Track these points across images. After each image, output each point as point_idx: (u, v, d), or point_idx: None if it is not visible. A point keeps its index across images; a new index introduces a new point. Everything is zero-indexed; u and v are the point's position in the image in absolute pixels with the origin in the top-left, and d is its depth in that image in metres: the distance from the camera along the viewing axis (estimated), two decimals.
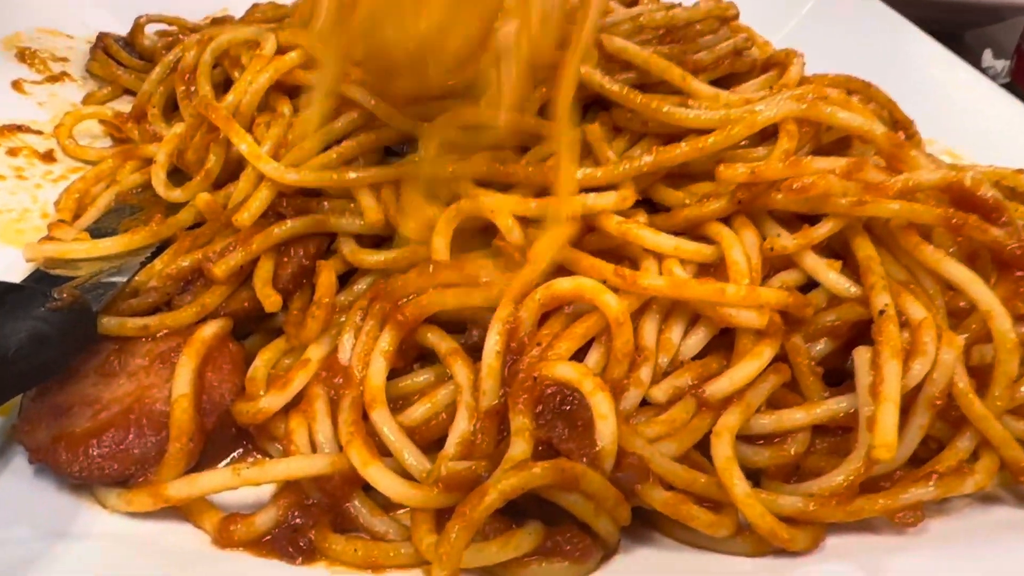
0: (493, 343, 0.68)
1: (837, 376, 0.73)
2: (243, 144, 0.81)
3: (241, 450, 0.73)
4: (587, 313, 0.70)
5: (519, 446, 0.62)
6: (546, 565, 0.61)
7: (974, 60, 1.67)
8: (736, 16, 0.98)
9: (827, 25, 1.48)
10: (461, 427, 0.67)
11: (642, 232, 0.73)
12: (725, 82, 0.94)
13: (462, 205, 0.74)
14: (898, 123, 0.95)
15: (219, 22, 1.29)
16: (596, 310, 0.69)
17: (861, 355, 0.68)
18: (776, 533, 0.62)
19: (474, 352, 0.70)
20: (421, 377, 0.72)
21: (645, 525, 0.67)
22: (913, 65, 1.35)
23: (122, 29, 1.24)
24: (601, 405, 0.63)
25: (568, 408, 0.64)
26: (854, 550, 0.65)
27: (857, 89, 0.93)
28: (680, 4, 1.03)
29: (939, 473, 0.67)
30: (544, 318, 0.70)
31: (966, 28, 1.88)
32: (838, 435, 0.70)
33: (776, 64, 0.95)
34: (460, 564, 0.57)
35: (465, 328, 0.72)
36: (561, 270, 0.73)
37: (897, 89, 1.14)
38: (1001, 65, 1.63)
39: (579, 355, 0.69)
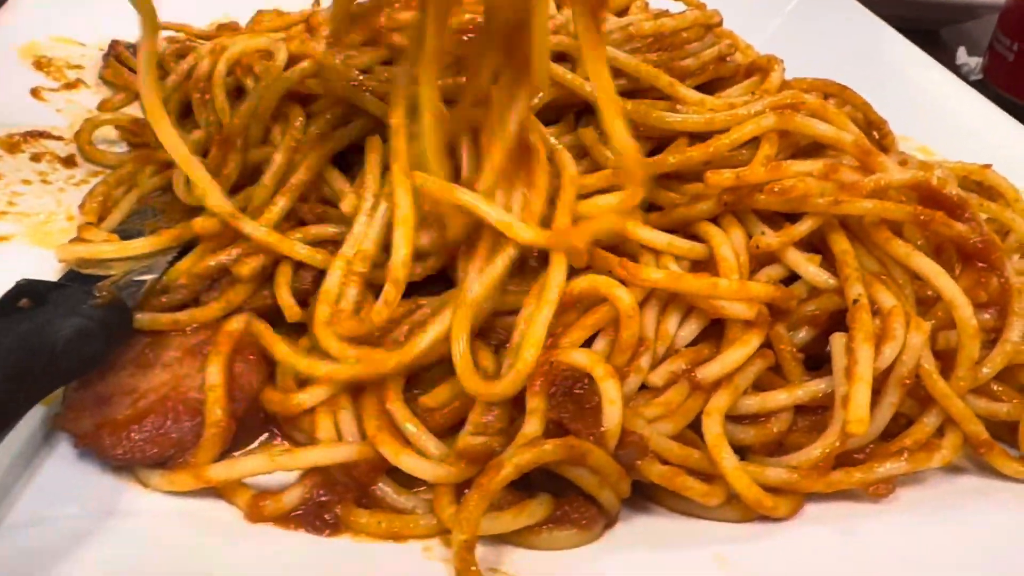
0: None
1: (817, 361, 0.79)
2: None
3: (267, 435, 0.79)
4: (597, 305, 0.76)
5: (533, 424, 0.68)
6: (556, 532, 0.68)
7: (950, 57, 1.75)
8: (720, 23, 1.04)
9: (808, 26, 1.55)
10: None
11: (639, 230, 0.79)
12: (710, 86, 1.00)
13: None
14: (872, 123, 1.02)
15: (225, 28, 1.34)
16: (605, 303, 0.75)
17: (837, 341, 0.75)
18: (761, 502, 0.69)
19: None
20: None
21: (642, 497, 0.73)
22: (889, 65, 1.42)
23: (132, 35, 1.29)
24: (610, 391, 0.69)
25: (578, 392, 0.70)
26: (831, 516, 0.72)
27: (833, 93, 1.00)
28: (668, 11, 1.10)
29: (910, 449, 0.74)
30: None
31: (943, 25, 1.95)
32: (818, 414, 0.76)
33: (759, 70, 1.01)
34: (478, 530, 0.63)
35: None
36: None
37: (873, 88, 1.21)
38: (975, 62, 1.70)
39: (587, 344, 0.75)
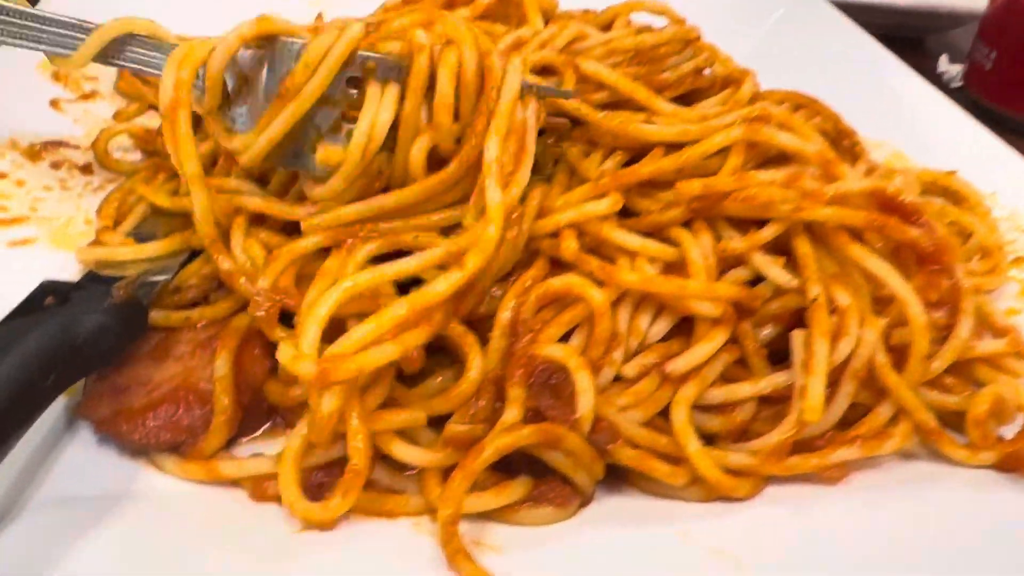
0: (500, 329, 0.80)
1: (782, 355, 0.84)
2: None
3: (271, 423, 0.85)
4: (573, 303, 0.82)
5: (512, 412, 0.75)
6: (534, 510, 0.74)
7: (933, 64, 1.80)
8: (698, 38, 1.10)
9: (792, 36, 1.61)
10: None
11: (614, 232, 0.85)
12: (689, 98, 1.06)
13: None
14: (842, 132, 1.07)
15: None
16: (581, 301, 0.81)
17: (796, 337, 0.81)
18: (721, 482, 0.75)
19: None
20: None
21: (616, 479, 0.79)
22: (867, 73, 1.47)
23: None
24: (583, 381, 0.75)
25: (555, 382, 0.76)
26: (789, 497, 0.78)
27: (803, 104, 1.05)
28: (650, 27, 1.16)
29: (863, 437, 0.80)
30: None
31: (928, 33, 2.00)
32: (779, 404, 0.83)
33: (732, 82, 1.07)
34: (461, 507, 0.70)
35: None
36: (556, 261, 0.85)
37: (852, 95, 1.27)
38: (955, 70, 1.75)
39: (564, 339, 0.81)
